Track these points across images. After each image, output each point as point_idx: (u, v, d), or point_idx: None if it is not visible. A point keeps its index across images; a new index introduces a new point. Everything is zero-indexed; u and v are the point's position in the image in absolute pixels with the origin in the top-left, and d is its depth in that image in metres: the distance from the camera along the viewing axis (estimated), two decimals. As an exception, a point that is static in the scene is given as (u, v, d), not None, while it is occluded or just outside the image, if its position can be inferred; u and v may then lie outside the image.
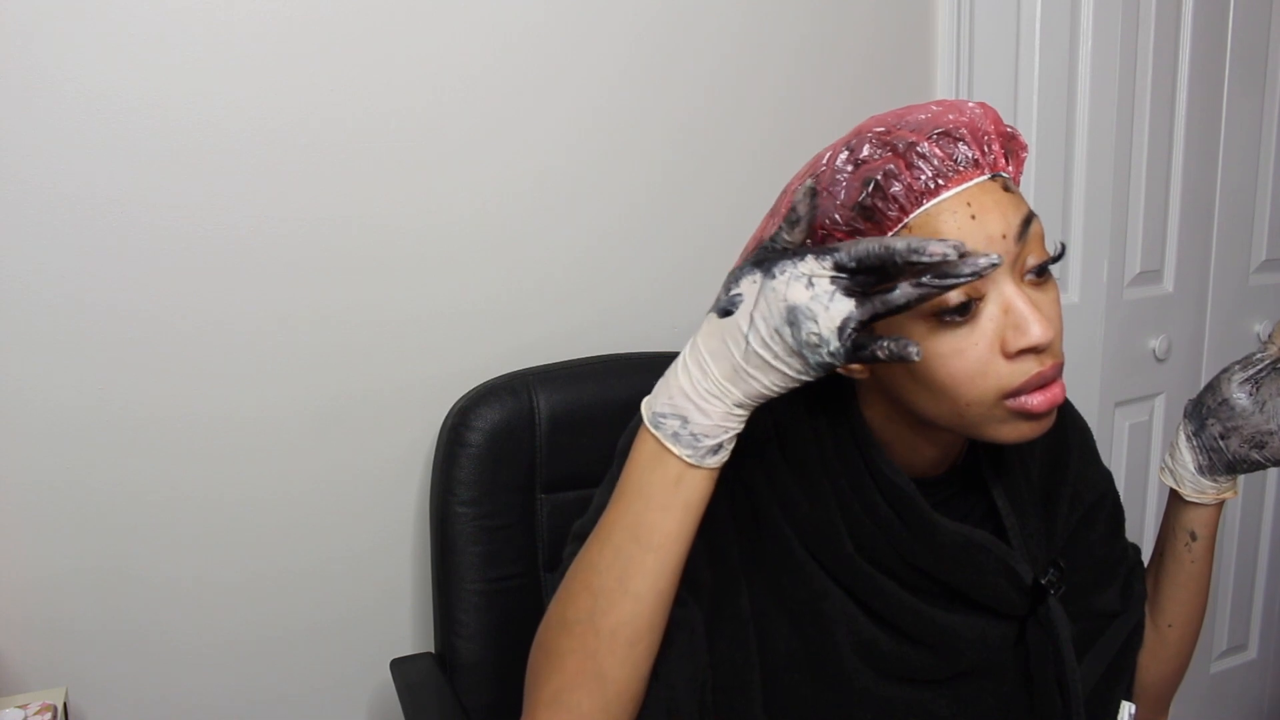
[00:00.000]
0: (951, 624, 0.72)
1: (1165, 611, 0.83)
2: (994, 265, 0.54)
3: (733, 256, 0.75)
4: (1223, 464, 0.77)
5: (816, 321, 0.54)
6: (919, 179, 0.62)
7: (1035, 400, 0.63)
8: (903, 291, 0.55)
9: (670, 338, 1.29)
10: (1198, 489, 0.78)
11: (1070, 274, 1.61)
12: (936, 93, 1.45)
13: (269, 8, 1.04)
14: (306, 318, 1.11)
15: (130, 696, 1.10)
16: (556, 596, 0.64)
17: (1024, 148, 0.68)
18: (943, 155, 0.62)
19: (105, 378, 1.03)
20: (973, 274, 0.54)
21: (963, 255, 0.54)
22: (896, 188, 0.62)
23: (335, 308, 1.12)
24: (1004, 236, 0.62)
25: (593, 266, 1.25)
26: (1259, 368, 0.76)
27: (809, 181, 0.57)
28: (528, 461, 1.09)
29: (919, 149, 0.62)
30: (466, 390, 1.13)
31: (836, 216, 0.63)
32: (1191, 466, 0.78)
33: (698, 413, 0.58)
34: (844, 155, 0.65)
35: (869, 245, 0.54)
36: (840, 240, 0.64)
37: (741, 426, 0.60)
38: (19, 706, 0.94)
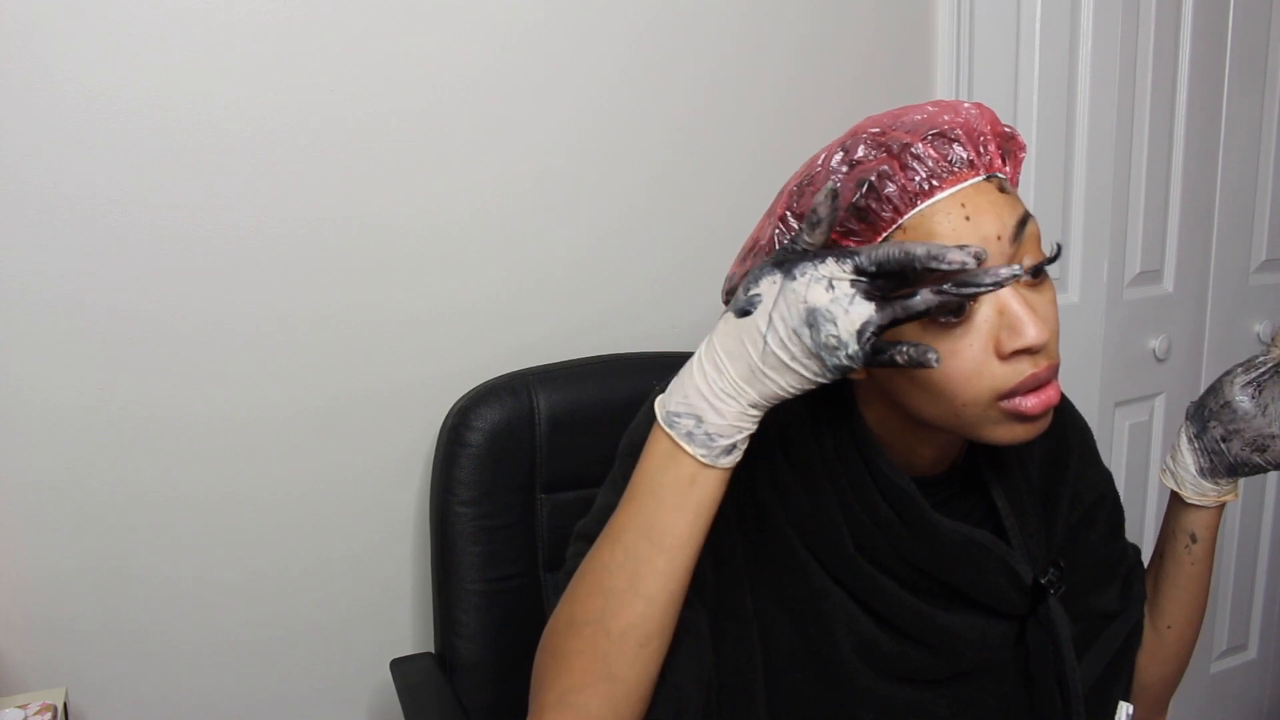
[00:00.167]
0: (952, 624, 0.72)
1: (1165, 613, 0.83)
2: (1015, 276, 0.54)
3: (733, 256, 0.75)
4: (1224, 467, 0.77)
5: (836, 324, 0.54)
6: (913, 180, 0.62)
7: (1029, 402, 0.63)
8: (923, 298, 0.55)
9: (670, 338, 1.29)
10: (1199, 491, 0.78)
11: (1070, 274, 1.61)
12: (936, 93, 1.45)
13: (269, 8, 1.04)
14: (306, 318, 1.11)
15: (130, 696, 1.10)
16: (564, 597, 0.64)
17: (1022, 148, 0.67)
18: (937, 156, 0.62)
19: (105, 378, 1.03)
20: (993, 284, 0.54)
21: (981, 263, 0.54)
22: (891, 189, 0.62)
23: (335, 308, 1.12)
24: (999, 238, 0.62)
25: (593, 266, 1.25)
26: (1261, 370, 0.76)
27: (831, 184, 0.57)
28: (528, 461, 1.09)
29: (913, 150, 0.62)
30: (466, 390, 1.13)
31: (835, 220, 0.63)
32: (1193, 469, 0.78)
33: (712, 412, 0.58)
34: (839, 156, 0.65)
35: (889, 249, 0.54)
36: (834, 241, 0.64)
37: (755, 427, 0.60)
38: (19, 706, 0.94)
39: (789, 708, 0.71)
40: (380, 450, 1.17)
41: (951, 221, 0.62)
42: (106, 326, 1.03)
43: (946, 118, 0.64)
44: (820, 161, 0.66)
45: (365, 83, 1.09)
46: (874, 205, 0.62)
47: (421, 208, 1.14)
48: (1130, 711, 0.78)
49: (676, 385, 0.60)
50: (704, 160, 1.29)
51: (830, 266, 0.55)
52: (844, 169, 0.64)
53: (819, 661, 0.71)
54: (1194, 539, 0.80)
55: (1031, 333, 0.61)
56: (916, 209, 0.62)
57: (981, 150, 0.63)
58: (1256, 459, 0.75)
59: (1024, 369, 0.62)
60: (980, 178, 0.63)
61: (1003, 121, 0.67)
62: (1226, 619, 1.94)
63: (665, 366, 0.59)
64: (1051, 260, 0.66)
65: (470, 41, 1.14)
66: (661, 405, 0.61)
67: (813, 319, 0.54)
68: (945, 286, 0.54)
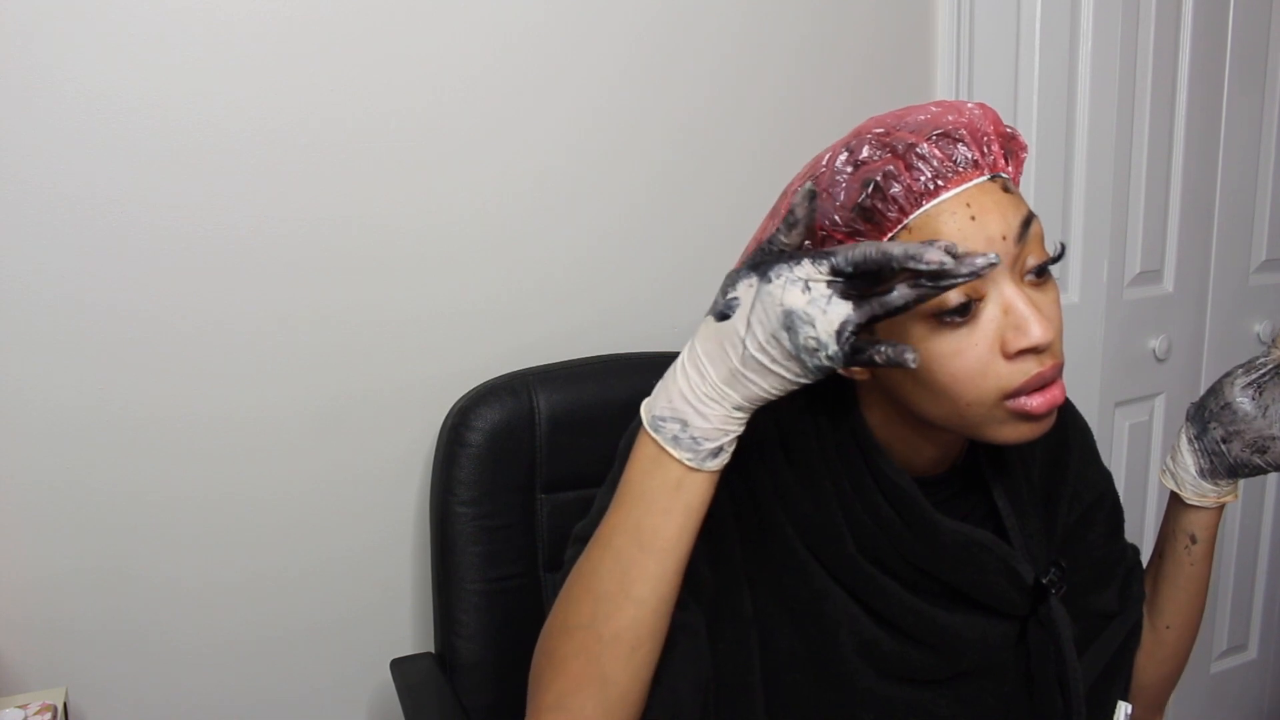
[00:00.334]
0: (953, 624, 0.72)
1: (1163, 613, 0.83)
2: (991, 265, 0.54)
3: (733, 256, 0.75)
4: (1224, 468, 0.77)
5: (814, 325, 0.54)
6: (918, 180, 0.62)
7: (1035, 402, 0.63)
8: (900, 294, 0.55)
9: (670, 338, 1.29)
10: (1199, 492, 0.78)
11: (1070, 274, 1.61)
12: (936, 93, 1.45)
13: (269, 8, 1.04)
14: (306, 318, 1.11)
15: (130, 696, 1.10)
16: (558, 601, 0.64)
17: (1023, 148, 0.68)
18: (942, 156, 0.62)
19: (105, 378, 1.03)
20: (970, 274, 0.54)
21: (960, 256, 0.54)
22: (896, 189, 0.62)
23: (335, 308, 1.12)
24: (1004, 237, 0.62)
25: (593, 266, 1.25)
26: (1262, 372, 0.76)
27: (807, 184, 0.57)
28: (528, 461, 1.09)
29: (918, 150, 0.62)
30: (466, 390, 1.13)
31: (836, 218, 0.63)
32: (1193, 469, 0.78)
33: (697, 416, 0.58)
34: (843, 157, 0.65)
35: (866, 250, 0.54)
36: (840, 241, 0.64)
37: (742, 429, 0.60)
38: (19, 706, 0.95)
39: (789, 708, 0.71)
40: (380, 450, 1.17)
41: (957, 221, 0.62)
42: (106, 326, 1.03)
43: (950, 118, 0.64)
44: (825, 162, 0.66)
45: (365, 83, 1.09)
46: (880, 205, 0.62)
47: (421, 208, 1.14)
48: (1128, 711, 0.78)
49: (661, 389, 0.61)
50: (704, 160, 1.29)
51: (806, 268, 0.55)
52: (849, 169, 0.64)
53: (819, 662, 0.71)
54: (1194, 540, 0.80)
55: (1037, 331, 0.61)
56: (922, 209, 0.62)
57: (985, 150, 0.63)
58: (1257, 460, 0.75)
59: (1029, 368, 0.62)
60: (985, 178, 0.63)
61: (1004, 122, 0.67)
62: (1226, 619, 1.94)
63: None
64: (1055, 260, 0.66)
65: (470, 41, 1.14)
66: (647, 410, 0.61)
67: (790, 321, 0.54)
68: (922, 280, 0.54)
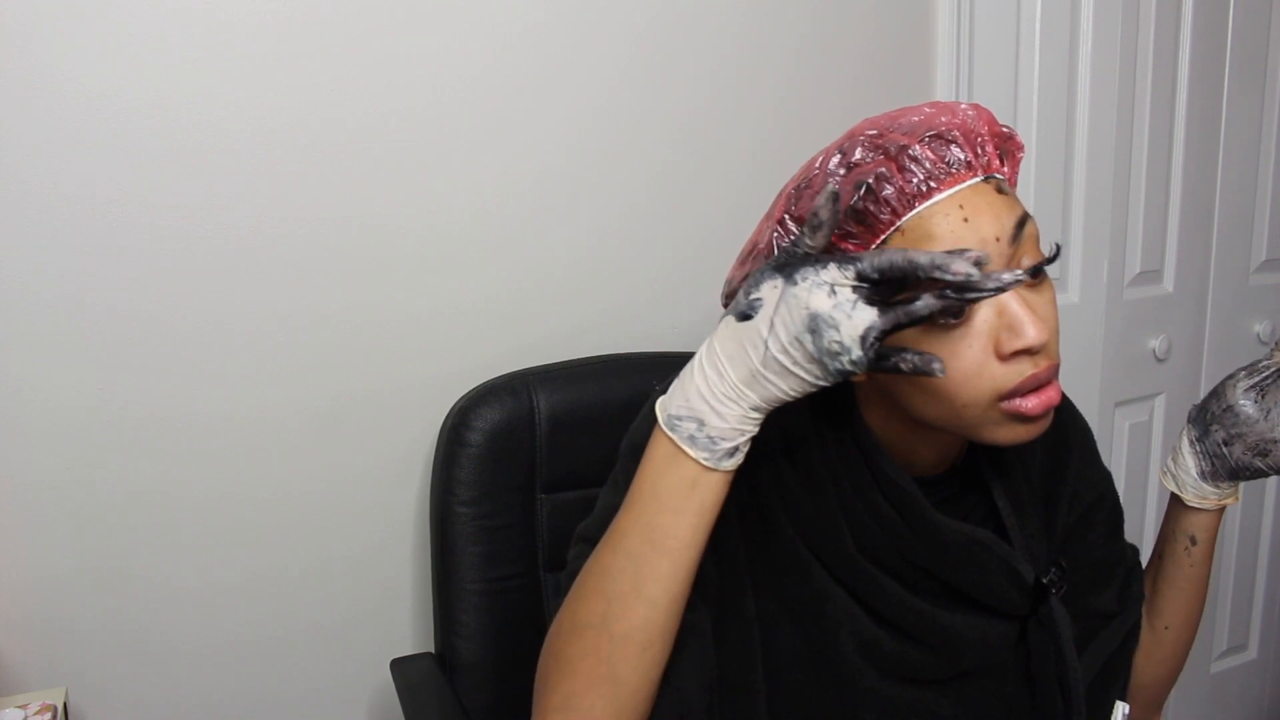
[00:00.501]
0: (953, 624, 0.72)
1: (1162, 613, 0.83)
2: (1018, 281, 0.54)
3: (733, 256, 0.75)
4: (1225, 470, 0.77)
5: (838, 330, 0.54)
6: (911, 182, 0.62)
7: (1030, 403, 0.63)
8: (925, 303, 0.55)
9: (670, 338, 1.29)
10: (1199, 494, 0.78)
11: (1070, 274, 1.61)
12: (936, 93, 1.45)
13: (269, 8, 1.04)
14: (306, 318, 1.11)
15: (130, 696, 1.10)
16: (567, 600, 0.64)
17: (1020, 148, 0.67)
18: (934, 158, 0.62)
19: (105, 378, 1.03)
20: (995, 290, 0.54)
21: (982, 267, 0.54)
22: (888, 191, 0.62)
23: (335, 308, 1.12)
24: (997, 239, 0.62)
25: (593, 266, 1.25)
26: (1264, 375, 0.76)
27: (830, 186, 0.57)
28: (528, 461, 1.09)
29: (911, 152, 0.62)
30: (466, 390, 1.13)
31: (837, 223, 0.63)
32: (1194, 472, 0.78)
33: (714, 415, 0.58)
34: (836, 159, 0.65)
35: (893, 257, 0.54)
36: (832, 244, 0.64)
37: (757, 429, 0.60)
38: (19, 706, 0.95)
39: (791, 708, 0.71)
40: (380, 450, 1.17)
41: (950, 223, 0.62)
42: (106, 326, 1.03)
43: (944, 119, 0.64)
44: (818, 164, 0.66)
45: (365, 83, 1.09)
46: (872, 208, 0.62)
47: (421, 208, 1.14)
48: (1126, 711, 0.78)
49: (678, 388, 0.60)
50: (704, 160, 1.29)
51: (832, 272, 0.55)
52: (841, 172, 0.64)
53: (821, 662, 0.71)
54: (1194, 541, 0.80)
55: (1031, 333, 0.61)
56: (914, 211, 0.62)
57: (979, 151, 0.63)
58: (1258, 463, 0.75)
59: (1024, 369, 0.62)
60: (978, 179, 0.63)
61: (1000, 122, 0.67)
62: (1226, 619, 1.94)
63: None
64: (1050, 260, 0.66)
65: (470, 41, 1.14)
66: (663, 408, 0.61)
67: (815, 324, 0.54)
68: (947, 291, 0.54)
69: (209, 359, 1.07)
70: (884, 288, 0.55)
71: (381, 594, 1.21)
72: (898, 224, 0.62)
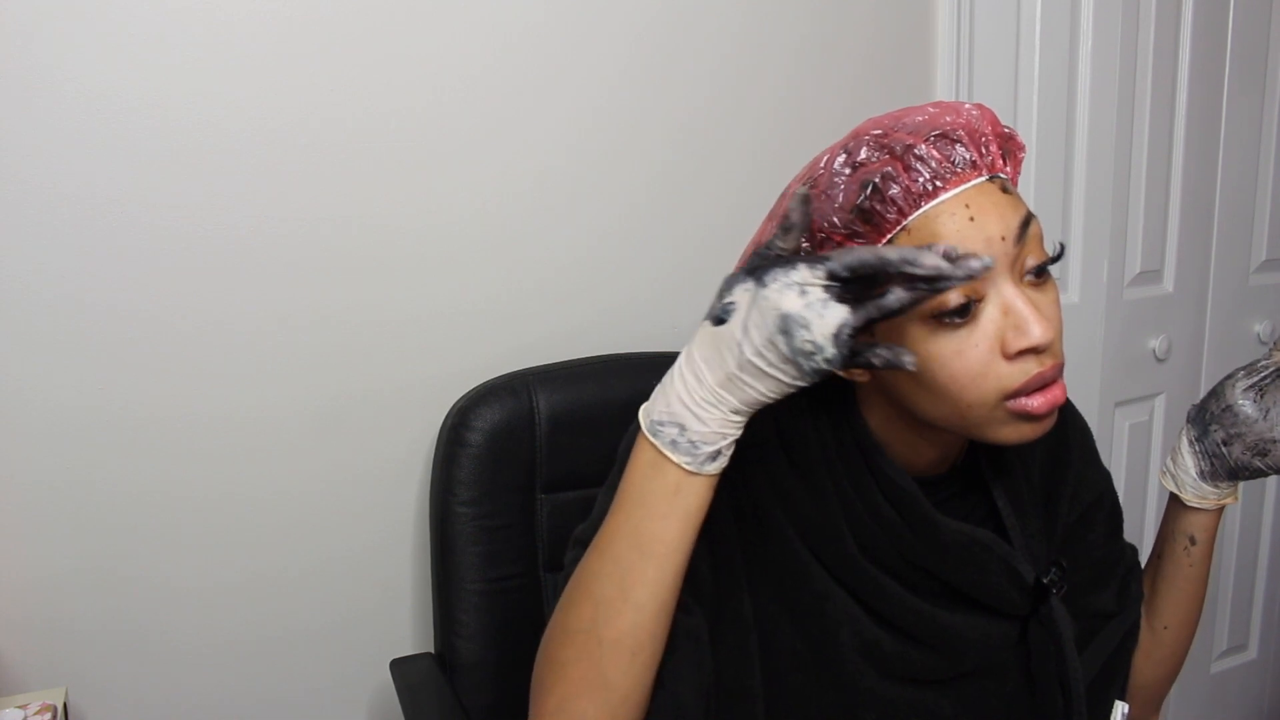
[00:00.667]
0: (954, 624, 0.72)
1: (1161, 613, 0.83)
2: (986, 267, 0.54)
3: (733, 256, 0.75)
4: (1225, 470, 0.77)
5: (810, 329, 0.54)
6: (917, 181, 0.62)
7: (1035, 402, 0.63)
8: (896, 296, 0.55)
9: (670, 338, 1.29)
10: (1199, 494, 0.78)
11: (1070, 274, 1.61)
12: (936, 93, 1.45)
13: (269, 8, 1.04)
14: (306, 318, 1.11)
15: (130, 696, 1.10)
16: (559, 605, 0.64)
17: (1021, 148, 0.68)
18: (940, 157, 0.62)
19: (105, 378, 1.03)
20: (965, 277, 0.54)
21: (957, 259, 0.54)
22: (895, 190, 0.62)
23: (335, 308, 1.12)
24: (1003, 238, 0.62)
25: (593, 266, 1.25)
26: (1263, 375, 0.76)
27: (801, 189, 0.58)
28: (528, 461, 1.09)
29: (916, 151, 0.62)
30: (466, 390, 1.13)
31: (835, 219, 0.63)
32: (1193, 471, 0.78)
33: (695, 420, 0.58)
34: (841, 158, 0.65)
35: (862, 255, 0.54)
36: (839, 243, 0.64)
37: (740, 432, 0.60)
38: (19, 706, 0.95)
39: (791, 709, 0.71)
40: (380, 450, 1.17)
41: (956, 222, 0.62)
42: (106, 326, 1.03)
43: (948, 119, 0.64)
44: (823, 164, 0.66)
45: (365, 83, 1.09)
46: (878, 207, 0.62)
47: (421, 208, 1.14)
48: (1125, 711, 0.78)
49: (659, 394, 0.61)
50: (704, 160, 1.29)
51: (802, 272, 0.55)
52: (847, 171, 0.64)
53: (821, 663, 0.71)
54: (1193, 541, 0.80)
55: (1037, 332, 0.61)
56: (920, 210, 0.62)
57: (984, 151, 0.64)
58: (1257, 463, 0.75)
59: (1030, 368, 0.62)
60: (983, 178, 0.63)
61: (1002, 122, 0.67)
62: (1226, 619, 1.94)
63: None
64: (1055, 260, 0.66)
65: (470, 41, 1.14)
66: (645, 414, 0.61)
67: (786, 325, 0.54)
68: (917, 283, 0.55)
69: (209, 359, 1.07)
70: (856, 286, 0.55)
71: (381, 594, 1.21)
72: (904, 223, 0.62)
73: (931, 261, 0.53)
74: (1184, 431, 0.79)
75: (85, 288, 1.01)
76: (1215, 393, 0.78)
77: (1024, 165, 0.68)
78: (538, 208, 1.20)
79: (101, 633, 1.08)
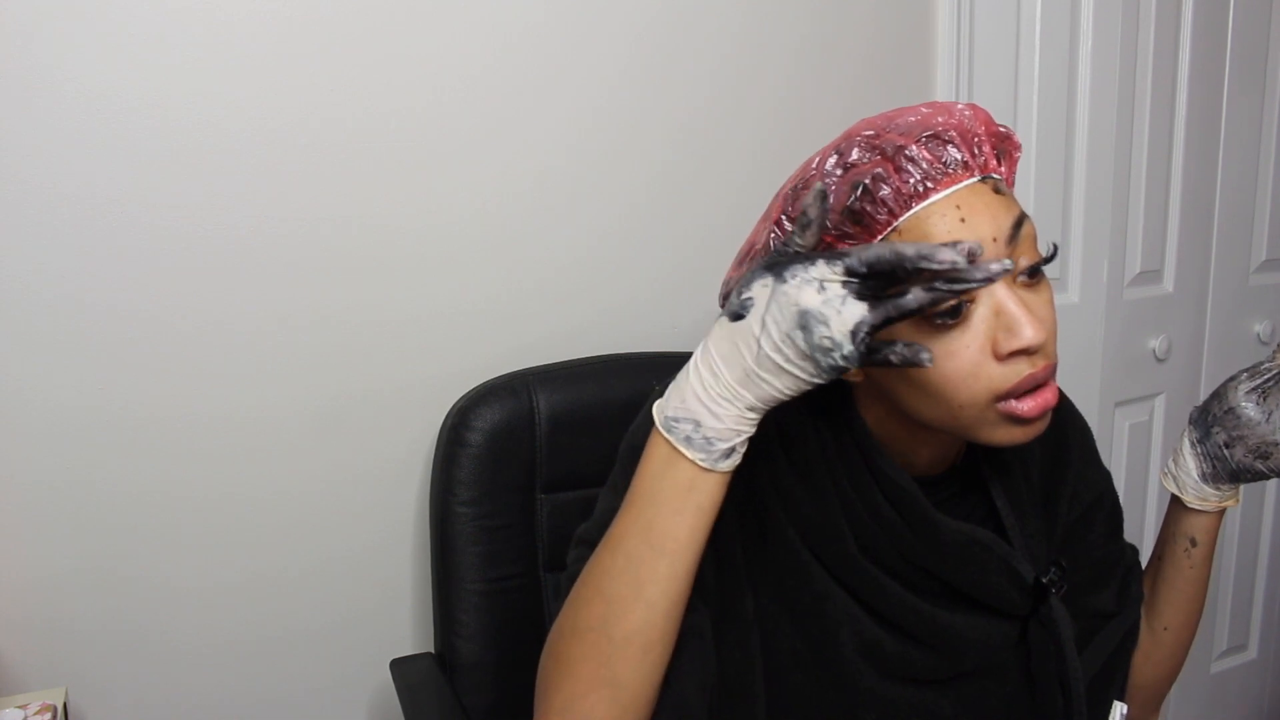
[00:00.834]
0: (954, 624, 0.72)
1: (1161, 614, 0.83)
2: (1006, 270, 0.54)
3: (732, 256, 0.75)
4: (1226, 473, 0.77)
5: (828, 325, 0.54)
6: (907, 182, 0.62)
7: (1025, 406, 0.63)
8: (915, 296, 0.55)
9: (670, 338, 1.29)
10: (1200, 496, 0.78)
11: (1070, 274, 1.61)
12: (936, 93, 1.45)
13: (269, 8, 1.04)
14: (306, 318, 1.11)
15: (130, 696, 1.10)
16: (567, 603, 0.64)
17: (1017, 147, 0.67)
18: (931, 158, 0.62)
19: (105, 378, 1.03)
20: (984, 280, 0.54)
21: (974, 259, 0.54)
22: (885, 191, 0.62)
23: (335, 308, 1.12)
24: (994, 239, 0.62)
25: (593, 266, 1.25)
26: (1266, 377, 0.76)
27: (818, 185, 0.57)
28: (528, 461, 1.09)
29: (907, 152, 0.62)
30: (466, 390, 1.13)
31: (826, 221, 0.63)
32: (1195, 473, 0.78)
33: (710, 416, 0.58)
34: (833, 159, 0.65)
35: (880, 250, 0.54)
36: (829, 244, 0.64)
37: (753, 430, 0.60)
38: (19, 706, 0.95)
39: (791, 709, 0.71)
40: (380, 450, 1.17)
41: (947, 223, 0.62)
42: (106, 326, 1.03)
43: (940, 119, 0.64)
44: (814, 165, 0.66)
45: (365, 83, 1.09)
46: (869, 208, 0.62)
47: (421, 208, 1.14)
48: (1124, 711, 0.78)
49: (674, 390, 0.60)
50: (704, 160, 1.29)
51: (821, 268, 0.55)
52: (838, 172, 0.64)
53: (822, 663, 0.71)
54: (1194, 543, 0.80)
55: (1029, 333, 0.61)
56: (911, 211, 0.62)
57: (976, 151, 0.63)
58: (1259, 465, 0.75)
59: (1021, 369, 0.62)
60: (975, 179, 0.63)
61: (998, 122, 0.67)
62: (1226, 619, 1.94)
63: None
64: (1048, 260, 0.66)
65: (470, 41, 1.14)
66: (660, 410, 0.61)
67: (805, 321, 0.54)
68: (936, 283, 0.54)
69: (209, 359, 1.07)
70: (873, 282, 0.55)
71: (381, 594, 1.21)
72: (895, 224, 0.62)
73: (947, 255, 0.53)
74: (1186, 433, 0.79)
75: (85, 288, 1.01)
76: (1218, 395, 0.78)
77: (1024, 165, 0.68)
78: (538, 208, 1.20)
79: (101, 633, 1.08)
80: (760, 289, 0.57)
